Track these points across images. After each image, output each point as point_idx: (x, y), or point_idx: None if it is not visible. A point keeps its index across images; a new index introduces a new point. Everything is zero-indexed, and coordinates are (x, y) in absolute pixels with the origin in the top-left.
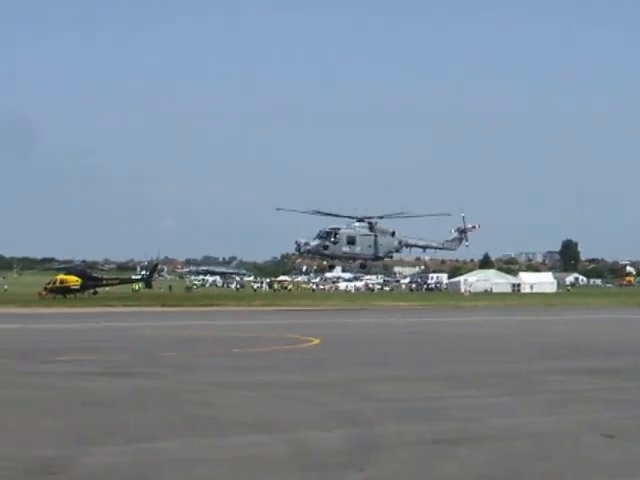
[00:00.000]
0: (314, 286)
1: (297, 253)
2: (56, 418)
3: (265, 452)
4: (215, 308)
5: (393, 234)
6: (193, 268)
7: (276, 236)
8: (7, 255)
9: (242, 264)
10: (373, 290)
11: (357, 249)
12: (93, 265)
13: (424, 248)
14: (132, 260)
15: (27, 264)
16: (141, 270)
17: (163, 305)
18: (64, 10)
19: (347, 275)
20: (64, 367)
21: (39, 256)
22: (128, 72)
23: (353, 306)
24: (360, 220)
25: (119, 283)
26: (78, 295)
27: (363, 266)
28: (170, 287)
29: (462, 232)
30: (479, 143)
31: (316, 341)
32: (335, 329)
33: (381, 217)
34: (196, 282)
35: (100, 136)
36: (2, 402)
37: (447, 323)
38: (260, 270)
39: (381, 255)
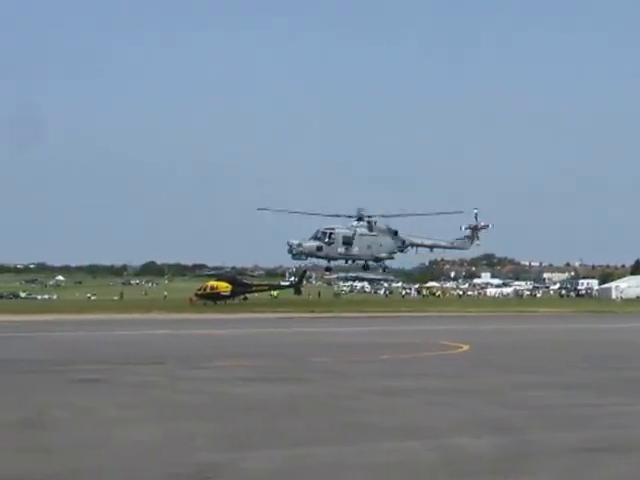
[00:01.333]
0: (461, 292)
1: (291, 255)
2: (212, 423)
3: (415, 458)
4: (363, 314)
5: (396, 233)
6: (341, 274)
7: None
8: (159, 261)
9: (390, 270)
10: (522, 296)
11: (354, 250)
12: (243, 271)
13: (431, 247)
14: (281, 266)
15: (178, 270)
16: (290, 276)
17: (312, 311)
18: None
19: (496, 281)
20: (217, 372)
21: (190, 262)
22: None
23: (502, 312)
24: (359, 219)
25: (268, 289)
26: (228, 301)
27: (365, 267)
28: (319, 293)
29: (474, 230)
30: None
31: (465, 347)
32: (484, 335)
33: (383, 216)
34: (344, 288)
35: (255, 141)
36: (160, 407)
37: (599, 330)
38: (408, 276)
39: (382, 256)
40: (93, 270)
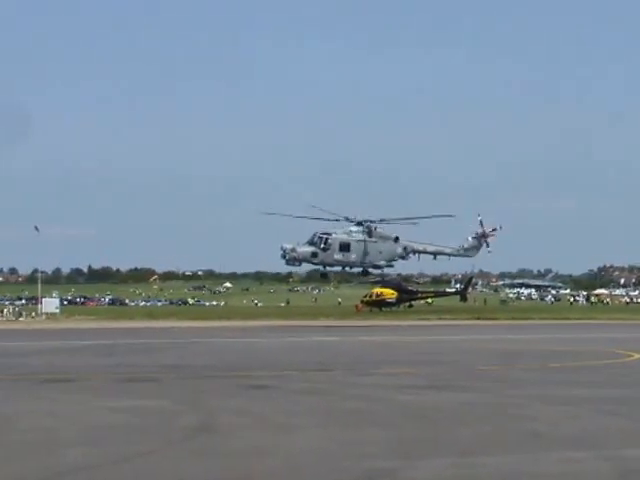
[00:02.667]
0: (629, 299)
1: (285, 261)
2: (382, 430)
3: (589, 469)
4: (530, 321)
5: (396, 239)
6: (507, 281)
7: (595, 248)
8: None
9: (557, 277)
10: None
11: (352, 256)
12: (408, 278)
13: (435, 255)
14: (446, 273)
15: (344, 277)
16: (455, 283)
17: (478, 318)
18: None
19: None
20: (385, 380)
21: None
22: None
23: None
24: (359, 224)
25: (434, 296)
26: (394, 308)
27: (365, 273)
28: (485, 300)
29: (481, 237)
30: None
31: (636, 356)
32: None
33: (382, 220)
34: (511, 295)
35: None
36: (328, 414)
37: None
38: (576, 283)
39: (381, 263)
40: (259, 277)
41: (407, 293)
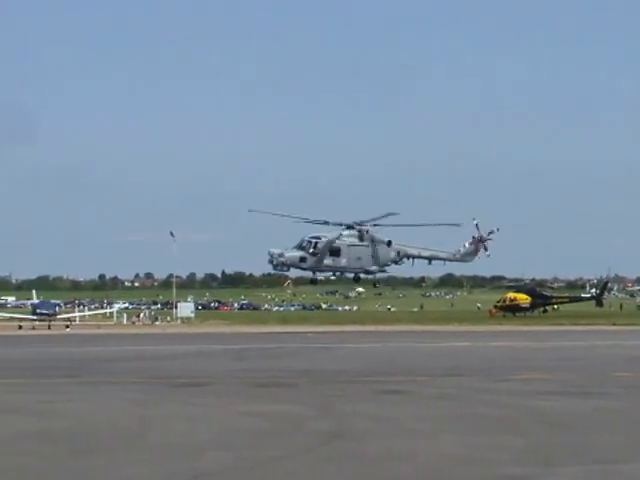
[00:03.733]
0: None
1: (272, 266)
2: (516, 436)
3: None
4: None
5: (389, 243)
6: None
7: None
8: (457, 273)
9: None
10: None
11: (342, 261)
12: (542, 283)
13: (430, 259)
14: (581, 278)
15: (477, 282)
16: (590, 288)
17: (613, 324)
18: None
19: None
20: (519, 386)
21: (488, 274)
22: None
23: None
24: (349, 227)
25: (569, 302)
26: (527, 313)
27: (357, 279)
28: (621, 306)
29: (479, 242)
30: None
31: None
32: None
33: (375, 224)
34: None
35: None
36: (461, 420)
37: None
38: None
39: (372, 268)
40: (391, 282)
41: (541, 298)
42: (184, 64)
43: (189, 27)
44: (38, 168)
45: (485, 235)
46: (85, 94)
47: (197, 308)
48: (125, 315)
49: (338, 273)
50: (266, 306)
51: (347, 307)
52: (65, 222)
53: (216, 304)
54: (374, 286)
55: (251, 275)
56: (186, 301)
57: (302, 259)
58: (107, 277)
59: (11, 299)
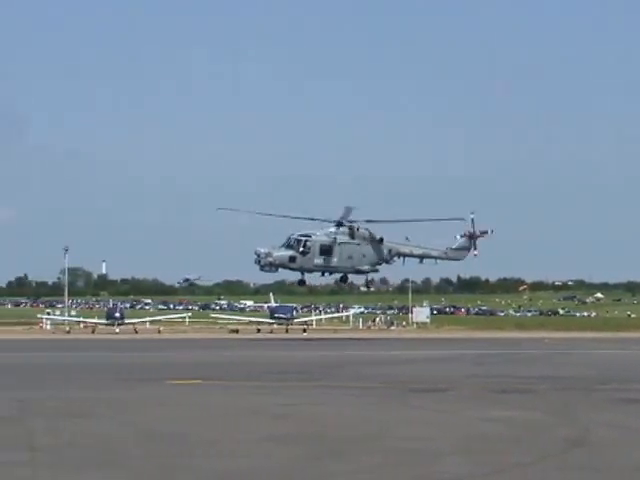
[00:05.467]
0: None
1: (258, 267)
2: None
3: None
4: None
5: (381, 241)
6: None
7: None
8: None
9: None
10: None
11: (333, 260)
12: None
13: (421, 258)
14: None
15: None
16: None
17: None
18: None
19: None
20: None
21: None
22: None
23: None
24: (339, 224)
25: None
26: None
27: (344, 280)
28: None
29: (470, 238)
30: None
31: None
32: None
33: (368, 221)
34: None
35: None
36: None
37: None
38: None
39: (364, 268)
40: (632, 287)
41: None
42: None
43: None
44: None
45: (478, 232)
46: None
47: (432, 313)
48: (361, 319)
49: (327, 273)
50: (502, 312)
51: (585, 313)
52: None
53: (451, 309)
54: (367, 287)
55: (487, 280)
56: (421, 306)
57: (292, 259)
58: None
59: (249, 303)
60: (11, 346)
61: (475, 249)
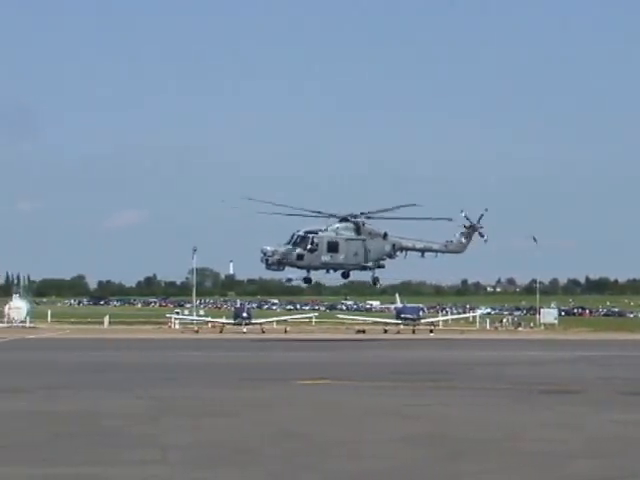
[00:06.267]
0: None
1: (265, 265)
2: None
3: None
4: None
5: (385, 236)
6: None
7: None
8: None
9: None
10: None
11: (340, 257)
12: None
13: (423, 252)
14: None
15: None
16: None
17: None
18: None
19: None
20: None
21: None
22: None
23: None
24: (343, 220)
25: None
26: None
27: (346, 275)
28: None
29: (470, 230)
30: None
31: None
32: None
33: (369, 217)
34: None
35: None
36: None
37: None
38: None
39: (369, 264)
40: None
41: None
42: None
43: None
44: None
45: (477, 224)
46: None
47: (560, 314)
48: (487, 320)
49: (332, 271)
50: (632, 313)
51: None
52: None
53: (579, 310)
54: (374, 284)
55: (616, 281)
56: (549, 307)
57: (299, 256)
58: (469, 282)
59: (376, 303)
60: (142, 345)
61: (482, 236)
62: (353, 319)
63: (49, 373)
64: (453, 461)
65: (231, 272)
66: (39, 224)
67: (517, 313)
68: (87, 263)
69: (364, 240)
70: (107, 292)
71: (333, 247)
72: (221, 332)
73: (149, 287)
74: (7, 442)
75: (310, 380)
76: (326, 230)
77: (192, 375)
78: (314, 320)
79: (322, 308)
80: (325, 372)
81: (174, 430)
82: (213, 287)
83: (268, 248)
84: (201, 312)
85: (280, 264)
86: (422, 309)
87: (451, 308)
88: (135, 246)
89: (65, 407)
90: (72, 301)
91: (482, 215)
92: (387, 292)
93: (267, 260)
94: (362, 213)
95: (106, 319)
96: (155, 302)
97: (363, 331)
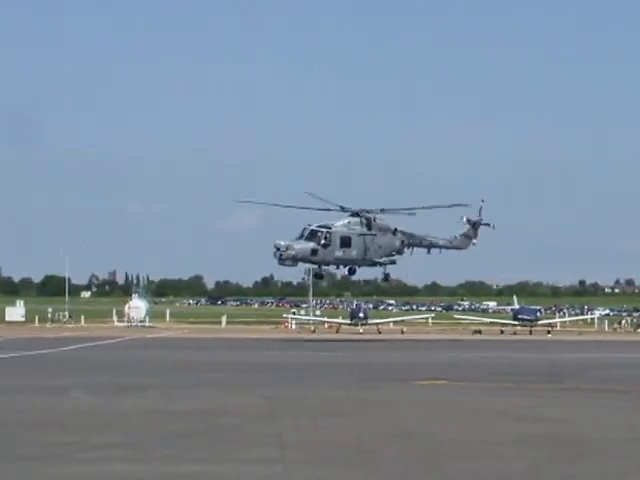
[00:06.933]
0: None
1: (277, 260)
2: None
3: None
4: None
5: (395, 232)
6: None
7: None
8: None
9: None
10: None
11: (352, 253)
12: None
13: (429, 248)
14: None
15: None
16: None
17: None
18: None
19: None
20: None
21: None
22: None
23: None
24: (355, 214)
25: None
26: None
27: (353, 272)
28: None
29: (474, 226)
30: None
31: None
32: None
33: (382, 210)
34: None
35: None
36: None
37: None
38: None
39: (382, 260)
40: None
41: None
42: None
43: None
44: None
45: (482, 221)
46: None
47: None
48: (606, 322)
49: (343, 266)
50: None
51: None
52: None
53: None
54: (385, 280)
55: None
56: None
57: (313, 251)
58: (587, 283)
59: (492, 304)
60: (258, 345)
61: (475, 237)
62: (470, 320)
63: (168, 372)
64: (568, 463)
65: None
66: (158, 225)
67: (636, 314)
68: (205, 263)
69: (375, 235)
70: (224, 292)
71: (346, 242)
72: (337, 332)
73: (266, 287)
74: (128, 440)
75: (427, 380)
76: (339, 225)
77: (310, 375)
78: (430, 321)
79: (438, 309)
80: (442, 373)
81: (292, 429)
82: (329, 287)
83: (282, 243)
84: (317, 312)
85: (294, 259)
86: (539, 310)
87: (568, 309)
88: (252, 246)
89: (184, 406)
90: (190, 301)
91: (481, 207)
92: (504, 293)
93: (281, 255)
94: (382, 210)
95: (224, 319)
96: (272, 302)
97: (479, 332)
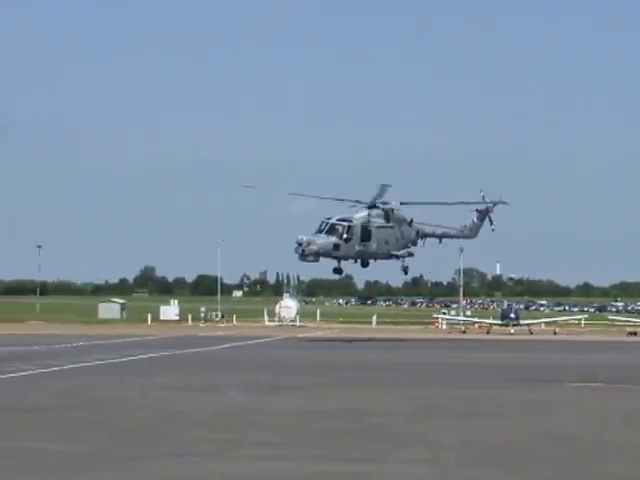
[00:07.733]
0: None
1: (299, 256)
2: None
3: None
4: None
5: (410, 223)
6: None
7: None
8: None
9: None
10: None
11: (373, 246)
12: None
13: (440, 238)
14: None
15: None
16: None
17: None
18: None
19: None
20: None
21: None
22: None
23: None
24: (372, 206)
25: None
26: None
27: (366, 264)
28: None
29: (483, 214)
30: None
31: None
32: None
33: (402, 202)
34: None
35: None
36: None
37: None
38: None
39: (401, 252)
40: None
41: None
42: None
43: None
44: None
45: (491, 207)
46: None
47: None
48: None
49: (360, 260)
50: None
51: None
52: None
53: None
54: (405, 273)
55: None
56: None
57: (336, 246)
58: None
59: None
60: (409, 345)
61: (492, 224)
62: (625, 321)
63: (319, 371)
64: None
65: (498, 272)
66: (307, 225)
67: None
68: (354, 264)
69: (392, 227)
70: (374, 292)
71: (366, 235)
72: (488, 333)
73: (416, 287)
74: (281, 439)
75: (582, 382)
76: (358, 218)
77: (460, 375)
78: (583, 322)
79: (591, 309)
80: (597, 375)
81: (443, 429)
82: (480, 287)
83: (304, 238)
84: (468, 312)
85: (317, 255)
86: None
87: None
88: None
89: (335, 405)
90: (340, 301)
91: (483, 196)
92: None
93: (303, 251)
94: (402, 203)
95: (374, 319)
96: (422, 302)
97: (635, 333)
